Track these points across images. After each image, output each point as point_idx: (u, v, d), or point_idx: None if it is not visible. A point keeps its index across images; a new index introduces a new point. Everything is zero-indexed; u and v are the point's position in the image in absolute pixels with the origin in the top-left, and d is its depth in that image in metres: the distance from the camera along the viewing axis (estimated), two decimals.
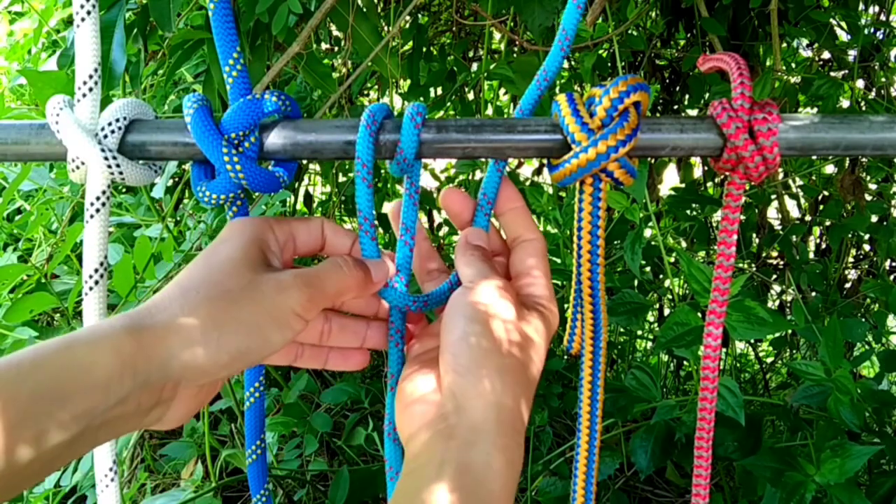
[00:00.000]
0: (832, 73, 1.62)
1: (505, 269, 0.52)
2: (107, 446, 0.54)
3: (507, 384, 0.41)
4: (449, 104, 1.55)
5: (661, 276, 1.68)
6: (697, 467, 0.56)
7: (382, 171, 1.99)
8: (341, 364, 0.52)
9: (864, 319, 1.68)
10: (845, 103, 1.60)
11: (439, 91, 1.48)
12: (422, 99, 1.41)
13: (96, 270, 0.52)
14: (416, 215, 0.51)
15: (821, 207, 1.77)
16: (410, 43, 1.45)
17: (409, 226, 0.51)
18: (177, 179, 1.49)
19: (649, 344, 2.10)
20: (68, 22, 1.42)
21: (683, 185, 1.71)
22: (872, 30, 1.47)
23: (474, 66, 1.82)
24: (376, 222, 0.51)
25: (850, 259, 1.86)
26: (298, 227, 0.49)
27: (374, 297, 0.52)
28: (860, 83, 1.58)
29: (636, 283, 1.45)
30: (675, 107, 1.83)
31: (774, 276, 1.89)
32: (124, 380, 0.36)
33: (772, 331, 0.90)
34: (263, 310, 0.41)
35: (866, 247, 1.89)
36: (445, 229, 2.11)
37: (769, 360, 2.14)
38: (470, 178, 1.69)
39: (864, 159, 1.61)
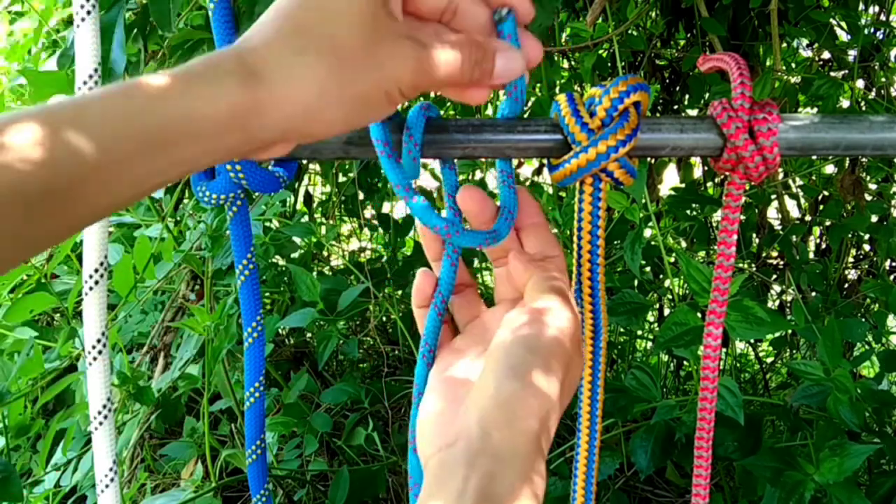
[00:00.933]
0: (832, 73, 1.62)
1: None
2: (107, 446, 0.54)
3: (532, 409, 0.38)
4: (449, 104, 1.55)
5: (661, 276, 1.68)
6: (697, 467, 0.56)
7: (383, 170, 1.99)
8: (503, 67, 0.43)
9: (864, 319, 1.68)
10: (845, 103, 1.60)
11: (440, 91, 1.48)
12: (422, 99, 1.41)
13: (96, 270, 0.52)
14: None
15: (821, 207, 1.77)
16: None
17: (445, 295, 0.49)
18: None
19: (649, 344, 2.10)
20: (68, 22, 1.42)
21: (683, 185, 1.71)
22: (872, 30, 1.47)
23: None
24: None
25: (850, 259, 1.86)
26: None
27: None
28: (860, 83, 1.58)
29: (636, 283, 1.45)
30: (675, 107, 1.83)
31: (774, 276, 1.89)
32: (234, 134, 0.34)
33: (771, 331, 0.90)
34: (374, 81, 0.37)
35: (866, 247, 1.89)
36: None
37: (769, 360, 2.14)
38: (470, 177, 1.70)
39: (864, 159, 1.61)
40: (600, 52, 1.50)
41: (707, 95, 1.59)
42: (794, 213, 1.88)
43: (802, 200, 1.83)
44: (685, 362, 1.83)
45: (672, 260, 1.45)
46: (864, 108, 1.50)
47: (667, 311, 1.95)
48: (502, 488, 0.35)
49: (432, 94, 1.48)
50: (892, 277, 1.83)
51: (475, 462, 0.36)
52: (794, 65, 1.74)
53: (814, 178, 1.74)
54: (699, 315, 0.95)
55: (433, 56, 0.38)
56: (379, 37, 0.37)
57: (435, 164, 2.18)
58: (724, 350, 1.85)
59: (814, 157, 1.40)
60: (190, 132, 0.33)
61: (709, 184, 1.88)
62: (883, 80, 1.56)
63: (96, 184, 0.31)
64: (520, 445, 0.37)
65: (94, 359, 0.53)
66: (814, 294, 1.66)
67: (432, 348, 0.49)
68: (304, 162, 1.84)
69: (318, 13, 0.36)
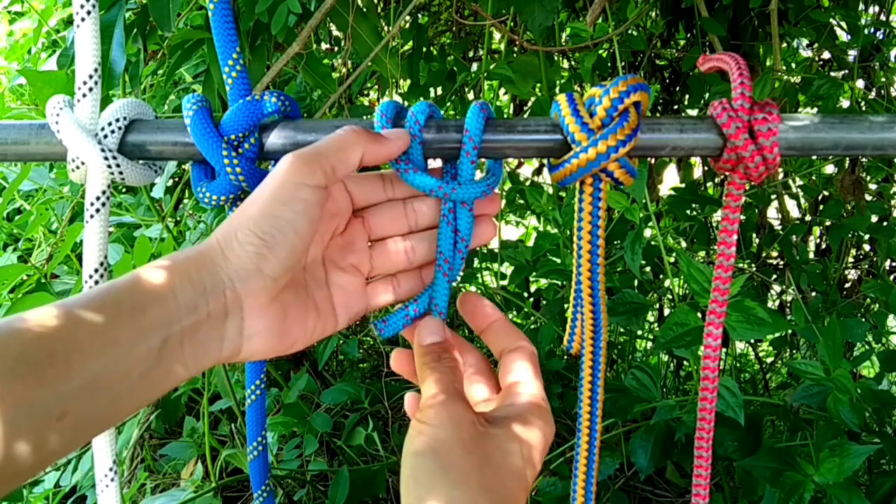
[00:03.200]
0: (832, 73, 1.62)
1: (477, 358, 0.51)
2: (107, 446, 0.54)
3: None
4: (449, 104, 1.55)
5: (661, 276, 1.68)
6: (697, 467, 0.56)
7: (383, 170, 1.98)
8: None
9: (864, 319, 1.68)
10: (845, 103, 1.60)
11: (439, 91, 1.48)
12: (422, 99, 1.41)
13: (96, 270, 0.52)
14: (451, 241, 0.50)
15: (821, 207, 1.77)
16: (410, 43, 1.45)
17: (447, 255, 0.50)
18: (177, 179, 1.49)
19: (649, 344, 2.10)
20: (68, 22, 1.42)
21: (683, 185, 1.71)
22: (872, 30, 1.47)
23: (474, 66, 1.82)
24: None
25: (850, 259, 1.86)
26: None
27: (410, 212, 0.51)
28: (860, 83, 1.58)
29: (636, 283, 1.45)
30: (675, 107, 1.83)
31: (774, 276, 1.89)
32: (185, 286, 0.39)
33: (772, 331, 0.90)
34: (269, 195, 0.42)
35: (866, 247, 1.89)
36: None
37: (769, 360, 2.14)
38: None
39: (864, 159, 1.61)
40: (600, 52, 1.50)
41: (707, 95, 1.59)
42: (794, 213, 1.88)
43: (802, 200, 1.83)
44: (685, 362, 1.83)
45: (672, 260, 1.45)
46: (864, 108, 1.49)
47: (667, 311, 1.95)
48: None
49: (432, 95, 1.48)
50: (892, 277, 1.83)
51: None
52: (794, 65, 1.74)
53: (814, 178, 1.74)
54: (699, 315, 0.95)
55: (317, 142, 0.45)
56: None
57: (435, 164, 2.17)
58: (724, 350, 1.85)
59: (814, 157, 1.40)
60: (152, 294, 0.39)
61: (709, 184, 1.88)
62: (883, 80, 1.56)
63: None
64: None
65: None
66: (814, 294, 1.66)
67: (442, 311, 0.50)
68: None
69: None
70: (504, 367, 0.48)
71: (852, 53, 1.50)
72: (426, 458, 0.40)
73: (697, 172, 1.95)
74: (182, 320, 0.38)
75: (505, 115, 1.80)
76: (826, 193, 1.73)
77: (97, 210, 0.51)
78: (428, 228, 0.51)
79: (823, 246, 1.91)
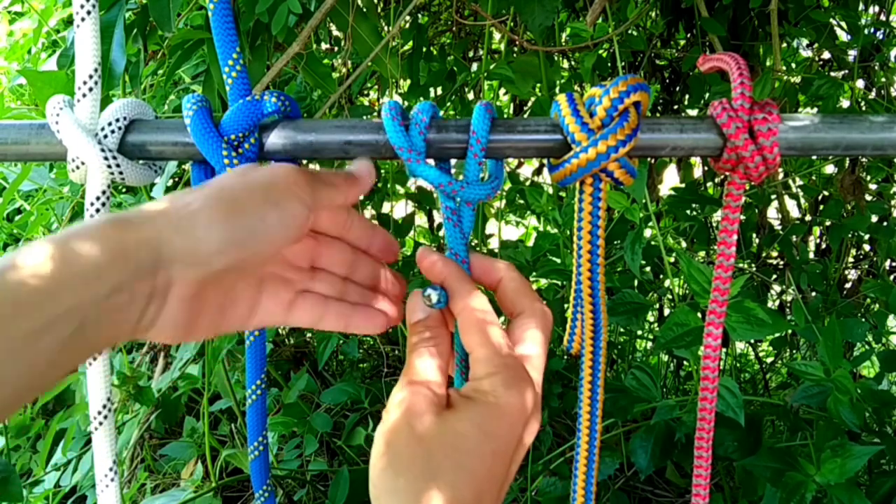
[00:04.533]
0: (832, 73, 1.62)
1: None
2: (107, 446, 0.54)
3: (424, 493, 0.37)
4: (449, 104, 1.55)
5: (661, 276, 1.68)
6: (697, 467, 0.56)
7: (383, 170, 1.99)
8: (363, 324, 0.49)
9: (864, 319, 1.68)
10: (845, 103, 1.60)
11: (439, 91, 1.48)
12: (422, 99, 1.41)
13: None
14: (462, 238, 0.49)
15: (821, 207, 1.77)
16: (410, 43, 1.45)
17: (461, 254, 0.49)
18: (177, 179, 1.49)
19: (649, 344, 2.10)
20: (68, 22, 1.42)
21: (683, 185, 1.70)
22: (872, 30, 1.47)
23: (474, 66, 1.82)
24: None
25: (850, 259, 1.86)
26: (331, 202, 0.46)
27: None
28: (860, 83, 1.58)
29: (636, 283, 1.45)
30: (675, 107, 1.83)
31: (774, 276, 1.89)
32: (116, 264, 0.34)
33: (772, 331, 0.90)
34: (259, 190, 0.40)
35: (866, 247, 1.89)
36: None
37: (769, 360, 2.14)
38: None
39: (864, 159, 1.61)
40: (600, 52, 1.50)
41: (707, 95, 1.59)
42: (794, 213, 1.88)
43: (802, 200, 1.83)
44: (685, 362, 1.83)
45: (672, 260, 1.45)
46: (864, 108, 1.49)
47: (667, 311, 1.95)
48: None
49: (432, 94, 1.48)
50: (892, 277, 1.83)
51: None
52: (794, 65, 1.74)
53: (814, 178, 1.74)
54: (699, 315, 0.94)
55: (319, 200, 0.43)
56: (285, 196, 0.41)
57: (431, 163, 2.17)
58: (724, 350, 1.85)
59: (814, 157, 1.40)
60: (73, 273, 0.34)
61: (709, 184, 1.88)
62: (883, 80, 1.56)
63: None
64: None
65: (94, 359, 0.53)
66: (814, 294, 1.66)
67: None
68: (305, 162, 1.84)
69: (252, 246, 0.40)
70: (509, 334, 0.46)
71: (852, 53, 1.50)
72: (377, 444, 0.40)
73: (697, 172, 1.95)
74: (102, 305, 0.34)
75: (505, 115, 1.80)
76: (826, 193, 1.73)
77: (97, 210, 0.51)
78: (364, 285, 0.50)
79: (823, 246, 1.91)
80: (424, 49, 1.44)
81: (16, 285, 0.31)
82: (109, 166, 0.48)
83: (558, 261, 1.25)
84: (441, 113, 0.50)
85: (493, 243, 1.59)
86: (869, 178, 1.73)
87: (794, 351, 1.89)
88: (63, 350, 0.32)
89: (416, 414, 0.40)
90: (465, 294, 0.45)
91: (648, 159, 1.26)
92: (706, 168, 1.87)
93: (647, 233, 1.25)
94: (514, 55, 1.44)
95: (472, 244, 0.52)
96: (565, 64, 1.77)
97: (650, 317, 1.99)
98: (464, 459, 0.38)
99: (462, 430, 0.39)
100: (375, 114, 1.47)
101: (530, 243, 1.65)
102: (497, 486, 0.39)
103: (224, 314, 0.42)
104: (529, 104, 1.51)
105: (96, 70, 0.49)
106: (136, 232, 0.36)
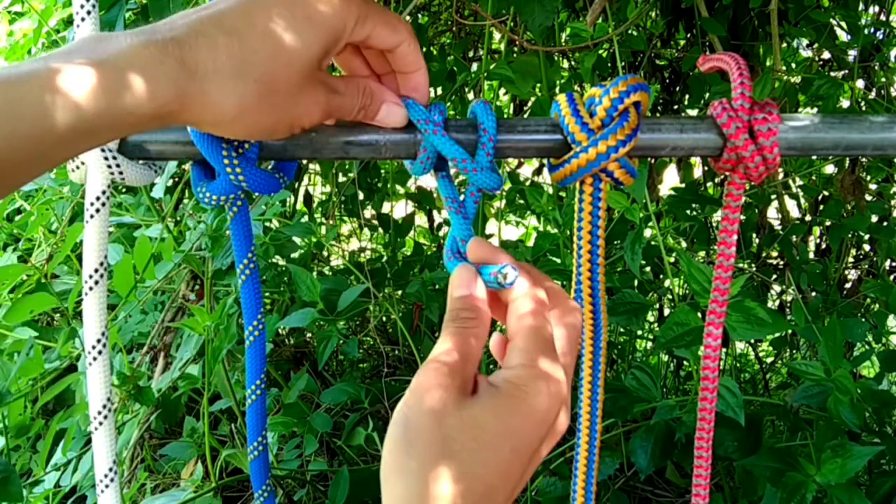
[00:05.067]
0: (832, 73, 1.62)
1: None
2: (107, 446, 0.54)
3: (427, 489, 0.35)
4: (449, 104, 1.55)
5: (661, 276, 1.68)
6: (697, 467, 0.56)
7: (383, 170, 1.99)
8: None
9: (864, 319, 1.68)
10: (845, 103, 1.60)
11: (439, 91, 1.48)
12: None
13: (96, 270, 0.52)
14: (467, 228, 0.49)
15: (821, 207, 1.77)
16: None
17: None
18: (177, 179, 1.49)
19: (649, 344, 2.10)
20: (68, 22, 1.42)
21: (683, 185, 1.71)
22: (872, 30, 1.47)
23: (474, 66, 1.82)
24: None
25: (850, 259, 1.86)
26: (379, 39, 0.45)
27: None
28: (860, 83, 1.58)
29: (636, 283, 1.45)
30: (675, 107, 1.83)
31: (774, 276, 1.89)
32: (154, 125, 0.38)
33: (772, 331, 0.90)
34: (288, 117, 0.42)
35: (866, 247, 1.89)
36: (446, 229, 2.11)
37: (769, 360, 2.15)
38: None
39: (864, 159, 1.61)
40: (600, 52, 1.50)
41: (707, 95, 1.59)
42: (794, 213, 1.88)
43: (802, 200, 1.83)
44: (685, 362, 1.83)
45: (672, 260, 1.45)
46: (864, 108, 1.49)
47: (667, 311, 1.95)
48: None
49: (432, 94, 1.48)
50: (892, 277, 1.83)
51: None
52: (794, 65, 1.74)
53: (814, 178, 1.74)
54: (699, 315, 0.94)
55: (337, 103, 0.44)
56: (308, 82, 0.42)
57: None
58: (724, 350, 1.85)
59: (814, 157, 1.40)
60: (114, 126, 0.36)
61: (709, 184, 1.88)
62: (883, 80, 1.56)
63: (26, 169, 0.35)
64: None
65: (94, 359, 0.53)
66: (814, 294, 1.66)
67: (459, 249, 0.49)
68: (304, 162, 1.84)
69: (271, 50, 0.40)
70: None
71: (852, 53, 1.50)
72: (396, 420, 0.38)
73: (697, 172, 1.95)
74: (122, 135, 0.38)
75: (505, 115, 1.80)
76: (826, 193, 1.73)
77: (97, 210, 0.51)
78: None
79: (823, 246, 1.91)
80: (424, 49, 1.44)
81: (75, 120, 0.34)
82: (109, 166, 0.48)
83: (558, 261, 1.25)
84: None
85: (494, 243, 1.59)
86: (869, 178, 1.73)
87: (794, 351, 1.89)
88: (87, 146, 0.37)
89: (440, 395, 0.38)
90: (527, 281, 0.43)
91: (648, 159, 1.26)
92: (706, 168, 1.87)
93: (647, 233, 1.25)
94: (514, 55, 1.44)
95: None
96: (565, 64, 1.77)
97: (650, 317, 1.99)
98: (481, 450, 0.36)
99: (483, 420, 0.37)
100: None
101: (530, 243, 1.65)
102: (510, 485, 0.38)
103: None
104: (529, 104, 1.51)
105: None
106: (183, 115, 0.38)
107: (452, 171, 0.51)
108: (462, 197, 0.51)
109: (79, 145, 0.36)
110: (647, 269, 1.63)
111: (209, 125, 0.41)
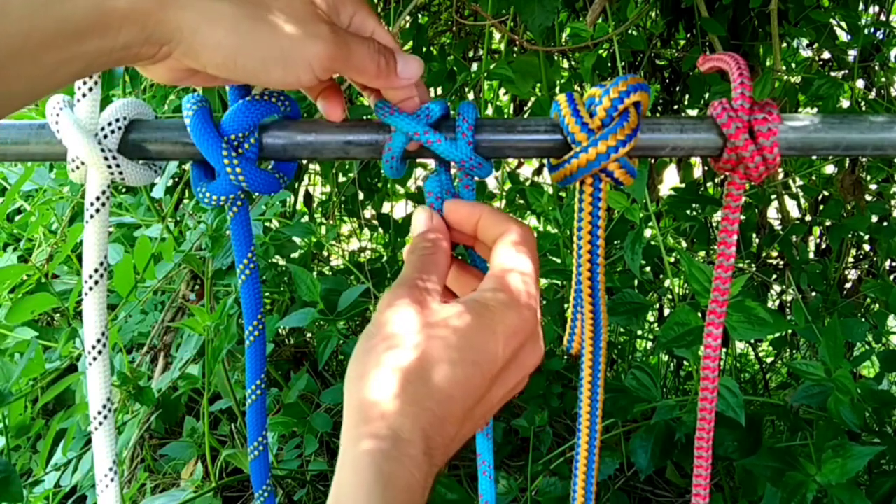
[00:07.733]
0: (832, 73, 1.62)
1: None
2: (107, 446, 0.54)
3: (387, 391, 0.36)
4: (449, 104, 1.55)
5: (661, 276, 1.68)
6: (697, 467, 0.56)
7: (383, 170, 1.99)
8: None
9: (864, 319, 1.68)
10: (845, 103, 1.60)
11: (439, 91, 1.48)
12: None
13: (96, 270, 0.52)
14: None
15: (821, 207, 1.77)
16: (410, 43, 1.45)
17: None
18: (177, 179, 1.49)
19: (649, 344, 2.10)
20: None
21: (683, 185, 1.71)
22: (872, 30, 1.47)
23: (474, 66, 1.82)
24: None
25: (850, 259, 1.86)
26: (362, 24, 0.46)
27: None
28: (860, 83, 1.58)
29: (636, 283, 1.45)
30: (675, 107, 1.83)
31: (774, 276, 1.89)
32: (134, 29, 0.36)
33: (772, 331, 0.90)
34: (284, 44, 0.39)
35: (866, 247, 1.89)
36: None
37: (769, 360, 2.15)
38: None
39: (864, 159, 1.61)
40: (600, 52, 1.50)
41: (707, 95, 1.59)
42: (794, 213, 1.88)
43: (802, 200, 1.83)
44: (685, 362, 1.83)
45: (672, 260, 1.45)
46: (864, 108, 1.49)
47: (667, 311, 1.95)
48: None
49: (432, 94, 1.48)
50: (892, 277, 1.83)
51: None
52: (794, 65, 1.74)
53: (814, 178, 1.74)
54: (700, 315, 0.94)
55: (349, 45, 0.42)
56: (311, 16, 0.40)
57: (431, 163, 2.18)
58: (724, 350, 1.85)
59: (814, 157, 1.40)
60: (98, 25, 0.35)
61: (709, 184, 1.88)
62: (883, 80, 1.56)
63: (14, 69, 0.34)
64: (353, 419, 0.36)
65: (94, 359, 0.53)
66: (814, 294, 1.66)
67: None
68: (304, 162, 1.84)
69: None
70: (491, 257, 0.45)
71: (852, 53, 1.50)
72: (359, 340, 0.39)
73: (697, 172, 1.95)
74: (109, 55, 0.36)
75: (505, 115, 1.80)
76: (826, 193, 1.73)
77: (97, 210, 0.51)
78: None
79: (823, 246, 1.91)
80: (424, 49, 1.44)
81: (58, 16, 0.34)
82: (109, 166, 0.48)
83: (558, 261, 1.25)
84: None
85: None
86: (869, 178, 1.73)
87: (794, 351, 1.89)
88: (78, 75, 0.37)
89: (400, 306, 0.39)
90: (510, 222, 0.45)
91: (648, 159, 1.26)
92: (706, 168, 1.87)
93: (647, 233, 1.25)
94: (514, 55, 1.44)
95: None
96: (565, 64, 1.77)
97: (650, 317, 1.99)
98: (442, 358, 0.37)
99: (444, 331, 0.38)
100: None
101: None
102: (470, 400, 0.38)
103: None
104: (529, 104, 1.51)
105: None
106: (165, 13, 0.37)
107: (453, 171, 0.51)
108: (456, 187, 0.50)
109: (66, 48, 0.35)
110: (647, 269, 1.63)
111: (189, 46, 0.38)
